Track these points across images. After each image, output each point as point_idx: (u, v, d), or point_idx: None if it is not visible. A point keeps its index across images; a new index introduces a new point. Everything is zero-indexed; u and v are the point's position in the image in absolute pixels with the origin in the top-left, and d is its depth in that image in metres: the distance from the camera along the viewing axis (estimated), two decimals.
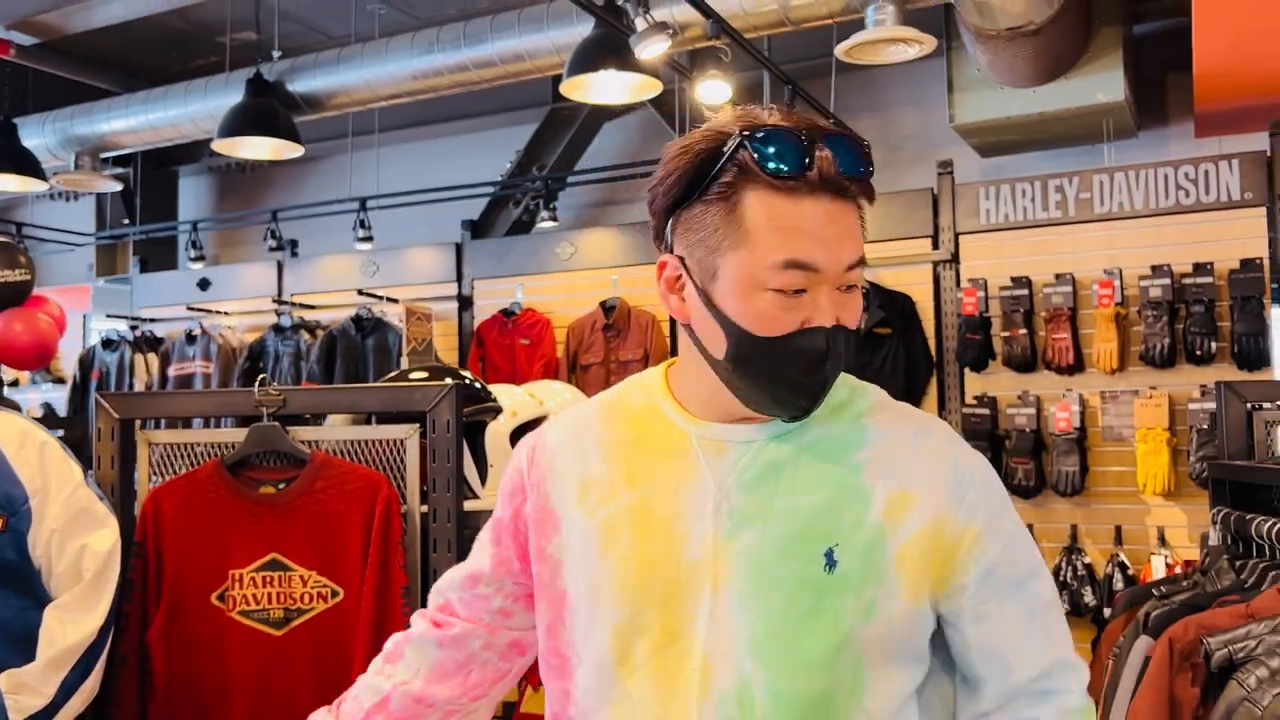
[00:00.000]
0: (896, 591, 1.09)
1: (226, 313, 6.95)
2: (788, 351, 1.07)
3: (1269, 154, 4.57)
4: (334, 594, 2.07)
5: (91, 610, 1.96)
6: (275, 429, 2.09)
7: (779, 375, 1.08)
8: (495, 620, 1.30)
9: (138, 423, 2.15)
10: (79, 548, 1.96)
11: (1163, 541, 4.59)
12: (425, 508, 2.12)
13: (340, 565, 2.07)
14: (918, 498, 1.11)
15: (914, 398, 5.15)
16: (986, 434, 4.83)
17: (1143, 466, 4.52)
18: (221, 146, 4.99)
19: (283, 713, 2.04)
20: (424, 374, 2.45)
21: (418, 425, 2.12)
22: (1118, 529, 4.70)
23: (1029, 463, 4.72)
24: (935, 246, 5.18)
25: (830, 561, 1.07)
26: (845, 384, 1.20)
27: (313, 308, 6.62)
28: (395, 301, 6.39)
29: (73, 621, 1.93)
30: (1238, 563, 2.46)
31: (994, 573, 1.13)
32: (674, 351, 5.58)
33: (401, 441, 2.13)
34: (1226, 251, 4.56)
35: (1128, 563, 4.56)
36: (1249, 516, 2.49)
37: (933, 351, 5.14)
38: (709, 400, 1.15)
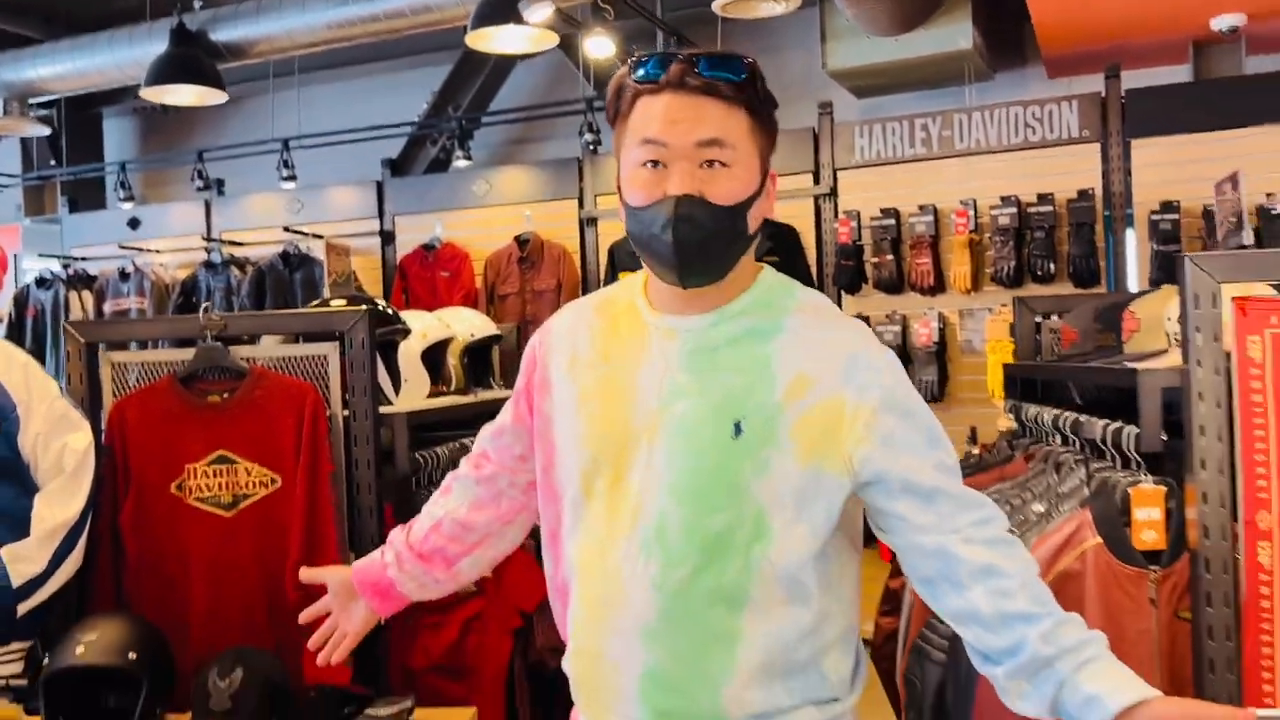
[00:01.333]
0: (788, 454, 1.30)
1: (158, 250, 7.25)
2: (649, 218, 1.31)
3: (1104, 95, 5.15)
4: (273, 481, 2.55)
5: (74, 496, 2.41)
6: (219, 348, 2.54)
7: (647, 241, 1.33)
8: (516, 464, 1.64)
9: (101, 346, 2.59)
10: (60, 447, 2.41)
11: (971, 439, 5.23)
12: (346, 411, 2.60)
13: (277, 458, 2.54)
14: (814, 381, 1.32)
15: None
16: None
17: (992, 374, 5.14)
18: (149, 94, 5.29)
19: (234, 579, 2.53)
20: (343, 301, 2.90)
21: (338, 344, 2.59)
22: (972, 429, 5.34)
23: None
24: (816, 182, 5.70)
25: (737, 430, 1.31)
26: (790, 289, 1.46)
27: (241, 244, 6.95)
28: (320, 238, 6.75)
29: (59, 505, 2.38)
30: (1013, 441, 3.05)
31: (894, 440, 1.31)
32: (585, 281, 6.06)
33: (324, 357, 2.60)
34: (1066, 184, 5.14)
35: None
36: (1023, 405, 3.09)
37: (814, 276, 5.69)
38: (662, 292, 1.42)
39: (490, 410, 3.49)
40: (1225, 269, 1.89)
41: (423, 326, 3.29)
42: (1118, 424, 2.17)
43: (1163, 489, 2.00)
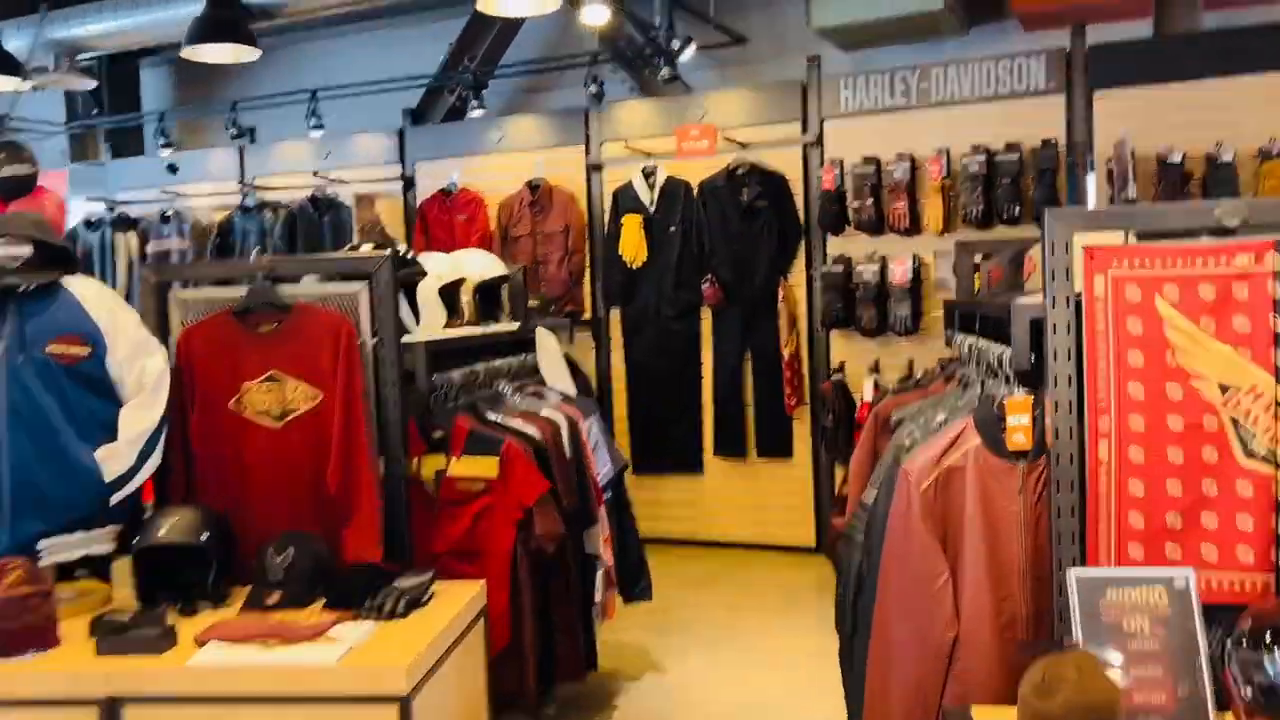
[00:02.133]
0: None
1: (195, 195, 7.76)
2: None
3: (1069, 50, 5.53)
4: (315, 397, 3.08)
5: (152, 408, 2.96)
6: (268, 287, 3.06)
7: None
8: None
9: (174, 285, 3.12)
10: (140, 367, 2.94)
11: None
12: (375, 339, 3.12)
13: (319, 377, 3.07)
14: None
15: (785, 258, 6.18)
16: (841, 287, 5.89)
17: None
18: (188, 53, 5.76)
19: (284, 478, 3.08)
20: (370, 247, 3.41)
21: (367, 283, 3.11)
22: (940, 360, 5.82)
23: (873, 309, 5.80)
24: (804, 131, 6.13)
25: None
26: None
27: (273, 189, 7.46)
28: (346, 183, 7.25)
29: (142, 414, 2.93)
30: (947, 367, 3.55)
31: None
32: (591, 224, 6.54)
33: (355, 295, 3.12)
34: (1032, 133, 5.55)
35: None
36: (956, 335, 3.57)
37: (800, 219, 6.15)
38: None
39: (497, 342, 4.02)
40: (1077, 221, 2.37)
41: (438, 268, 3.80)
42: (1003, 349, 2.66)
43: (1029, 399, 2.49)
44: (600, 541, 3.91)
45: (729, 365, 6.30)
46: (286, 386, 3.08)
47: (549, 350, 4.57)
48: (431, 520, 3.21)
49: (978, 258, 4.06)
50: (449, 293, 3.80)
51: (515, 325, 4.32)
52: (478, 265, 4.11)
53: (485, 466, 3.18)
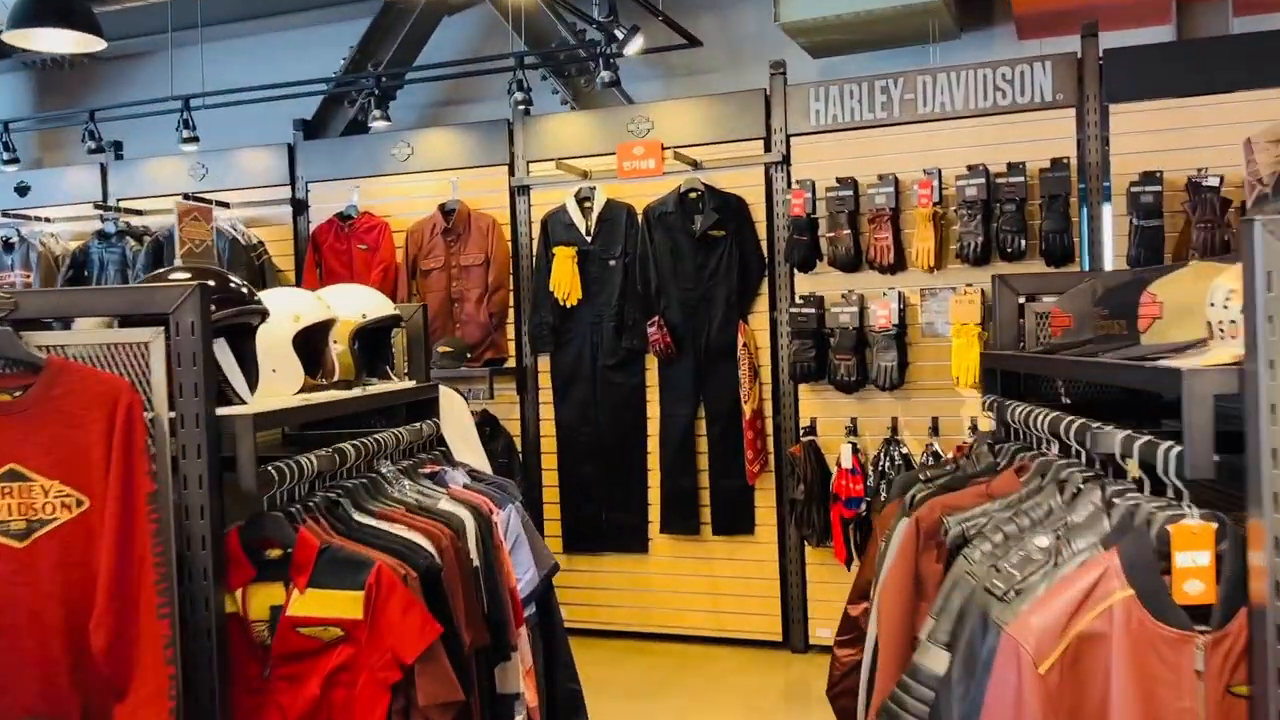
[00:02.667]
0: None
1: (48, 219, 6.58)
2: None
3: (1080, 56, 4.71)
4: (79, 503, 2.01)
5: None
6: (6, 334, 1.99)
7: None
8: None
9: None
10: None
11: (975, 431, 4.81)
12: (174, 413, 2.06)
13: (83, 473, 2.00)
14: None
15: (746, 298, 5.23)
16: (813, 332, 4.95)
17: (957, 360, 4.71)
18: (13, 38, 4.65)
19: (27, 628, 1.99)
20: (186, 275, 2.37)
21: (161, 329, 2.05)
22: (934, 420, 4.91)
23: (851, 358, 4.87)
24: (767, 149, 5.21)
25: None
26: None
27: (140, 213, 6.32)
28: (226, 206, 6.15)
29: None
30: (997, 447, 2.59)
31: None
32: (516, 255, 5.52)
33: (146, 345, 2.06)
34: (1038, 151, 4.71)
35: (941, 451, 4.77)
36: (1008, 403, 2.62)
37: (764, 252, 5.21)
38: None
39: (382, 405, 2.97)
40: None
41: (296, 307, 2.75)
42: (1146, 436, 1.70)
43: (1212, 526, 1.54)
44: (520, 676, 2.87)
45: (679, 425, 5.31)
46: (34, 487, 2.01)
47: (455, 414, 3.54)
48: (261, 687, 2.14)
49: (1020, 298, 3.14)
50: (311, 341, 2.76)
51: (410, 384, 3.28)
52: (357, 303, 3.07)
53: (343, 604, 2.12)
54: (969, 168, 4.74)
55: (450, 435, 3.43)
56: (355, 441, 2.65)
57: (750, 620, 5.26)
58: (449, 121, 6.29)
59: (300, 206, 6.11)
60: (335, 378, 2.85)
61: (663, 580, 5.41)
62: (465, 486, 3.12)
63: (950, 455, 2.86)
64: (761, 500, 5.24)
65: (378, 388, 3.07)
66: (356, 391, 2.87)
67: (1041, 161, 4.67)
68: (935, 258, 4.75)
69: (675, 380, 5.31)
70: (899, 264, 4.87)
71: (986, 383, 2.87)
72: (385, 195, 5.94)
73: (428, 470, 3.05)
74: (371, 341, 3.16)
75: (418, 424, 3.14)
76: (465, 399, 5.52)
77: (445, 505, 2.75)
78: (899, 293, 4.91)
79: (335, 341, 3.01)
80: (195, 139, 6.10)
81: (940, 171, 4.79)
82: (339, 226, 5.90)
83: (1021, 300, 2.91)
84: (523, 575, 3.08)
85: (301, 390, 2.70)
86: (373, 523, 2.46)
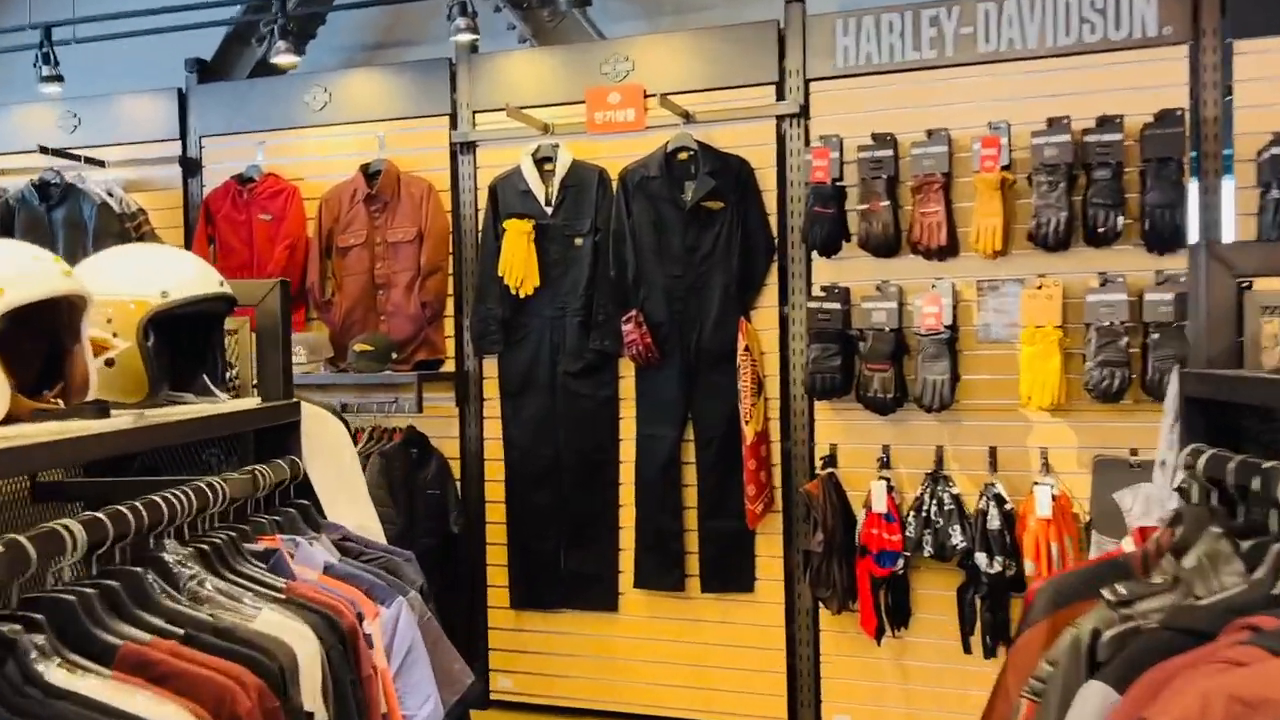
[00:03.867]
0: None
1: None
2: None
3: None
4: None
5: None
6: None
7: None
8: None
9: None
10: None
11: (1046, 468, 3.69)
12: None
13: None
14: None
15: (750, 288, 4.08)
16: (837, 334, 3.80)
17: (1028, 374, 3.58)
18: None
19: None
20: None
21: None
22: (992, 451, 3.78)
23: (887, 369, 3.73)
24: (780, 97, 4.06)
25: None
26: None
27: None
28: (102, 164, 4.94)
29: None
30: (1243, 544, 1.45)
31: None
32: (458, 228, 4.37)
33: None
34: (1139, 102, 3.59)
35: (1005, 495, 3.64)
36: (1251, 461, 1.49)
37: (773, 230, 4.07)
38: None
39: (177, 439, 1.81)
40: None
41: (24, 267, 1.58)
42: None
43: None
44: None
45: (661, 449, 4.15)
46: None
47: (330, 447, 2.37)
48: None
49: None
50: (42, 332, 1.59)
51: (248, 403, 2.11)
52: (151, 274, 1.89)
53: None
54: (1049, 122, 3.62)
55: (321, 479, 2.27)
56: (94, 514, 1.48)
57: (747, 701, 4.11)
58: (376, 61, 5.07)
59: (192, 166, 4.90)
60: (91, 394, 1.67)
61: (636, 647, 4.25)
62: (327, 570, 1.97)
63: (1128, 546, 1.71)
64: (764, 549, 4.09)
65: (181, 411, 1.89)
66: (124, 421, 1.68)
67: (1144, 115, 3.55)
68: (1004, 238, 3.62)
69: (657, 392, 4.15)
70: (951, 247, 3.73)
71: (1188, 419, 1.73)
72: (296, 153, 4.74)
73: (262, 545, 1.89)
74: (178, 335, 1.98)
75: (253, 469, 1.98)
76: (385, 410, 4.36)
77: (265, 621, 1.59)
78: (951, 285, 3.78)
79: (115, 335, 1.84)
80: (58, 78, 4.87)
81: (1009, 127, 3.66)
82: (237, 192, 4.71)
83: (1242, 282, 1.77)
84: (417, 709, 1.96)
85: (9, 417, 1.52)
86: (84, 687, 1.28)
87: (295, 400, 2.25)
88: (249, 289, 2.27)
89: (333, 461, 2.31)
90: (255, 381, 2.30)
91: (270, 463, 2.07)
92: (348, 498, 2.32)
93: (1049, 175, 3.55)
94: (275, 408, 2.17)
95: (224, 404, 2.03)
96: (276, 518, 2.04)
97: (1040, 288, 3.64)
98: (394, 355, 4.35)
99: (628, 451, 4.25)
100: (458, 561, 4.25)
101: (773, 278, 4.08)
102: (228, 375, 2.22)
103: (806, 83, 4.01)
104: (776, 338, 4.09)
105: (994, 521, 3.58)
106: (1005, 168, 3.63)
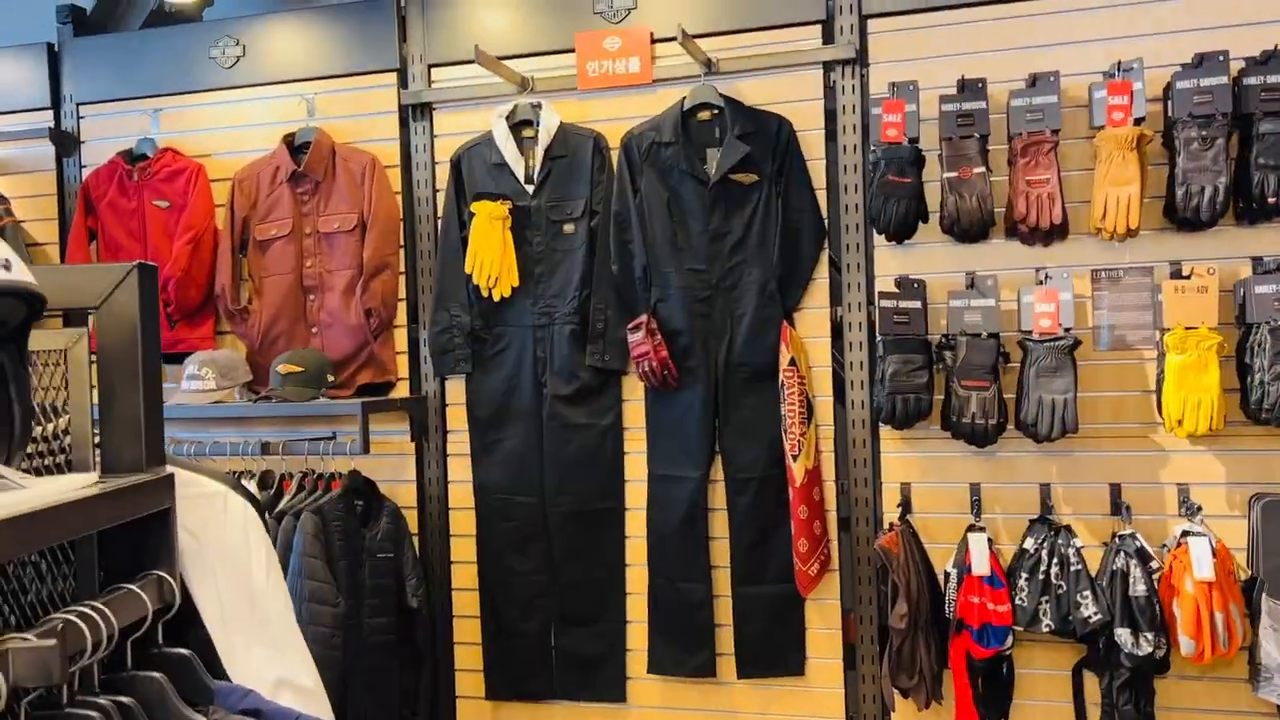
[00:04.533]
0: None
1: None
2: None
3: None
4: None
5: None
6: None
7: None
8: None
9: None
10: None
11: (1190, 510, 2.83)
12: None
13: None
14: None
15: (795, 284, 3.18)
16: (920, 343, 2.91)
17: (1177, 391, 2.72)
18: None
19: None
20: None
21: None
22: (1115, 490, 2.93)
23: (988, 386, 2.84)
24: (829, 39, 3.18)
25: None
26: None
27: None
28: None
29: None
30: None
31: None
32: (411, 213, 3.41)
33: None
34: None
35: (1148, 548, 2.78)
36: None
37: (823, 208, 3.17)
38: None
39: None
40: None
41: None
42: None
43: None
44: None
45: (682, 494, 3.22)
46: None
47: (228, 556, 1.39)
48: None
49: None
50: None
51: (82, 483, 1.14)
52: None
53: None
54: (1197, 60, 2.77)
55: (216, 607, 1.30)
56: None
57: None
58: (303, 4, 4.07)
59: (67, 142, 3.85)
60: None
61: None
62: None
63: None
64: (818, 619, 3.17)
65: None
66: None
67: None
68: (1138, 214, 2.76)
69: (675, 420, 3.22)
70: (1063, 226, 2.87)
71: None
72: (201, 123, 3.74)
73: None
74: None
75: (81, 610, 1.01)
76: (320, 450, 3.36)
77: None
78: (1067, 275, 2.92)
79: None
80: None
81: (1141, 65, 2.81)
82: (125, 173, 3.69)
83: None
84: None
85: None
86: None
87: (167, 473, 1.29)
88: (79, 280, 1.31)
89: (235, 574, 1.35)
90: (97, 439, 1.33)
91: (116, 593, 1.12)
92: (262, 635, 1.35)
93: (1201, 129, 2.70)
94: (127, 491, 1.20)
95: (25, 490, 1.07)
96: (121, 698, 1.09)
97: (1189, 277, 2.79)
98: (329, 378, 3.37)
99: (637, 498, 3.31)
100: (417, 644, 3.26)
101: (822, 271, 3.18)
102: (45, 431, 1.27)
103: (863, 19, 3.13)
104: (828, 348, 3.19)
105: (1138, 585, 2.71)
106: (1139, 121, 2.78)
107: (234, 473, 3.32)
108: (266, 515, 3.06)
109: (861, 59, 3.13)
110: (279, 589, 1.40)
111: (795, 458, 3.05)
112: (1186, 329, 2.73)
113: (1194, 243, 2.87)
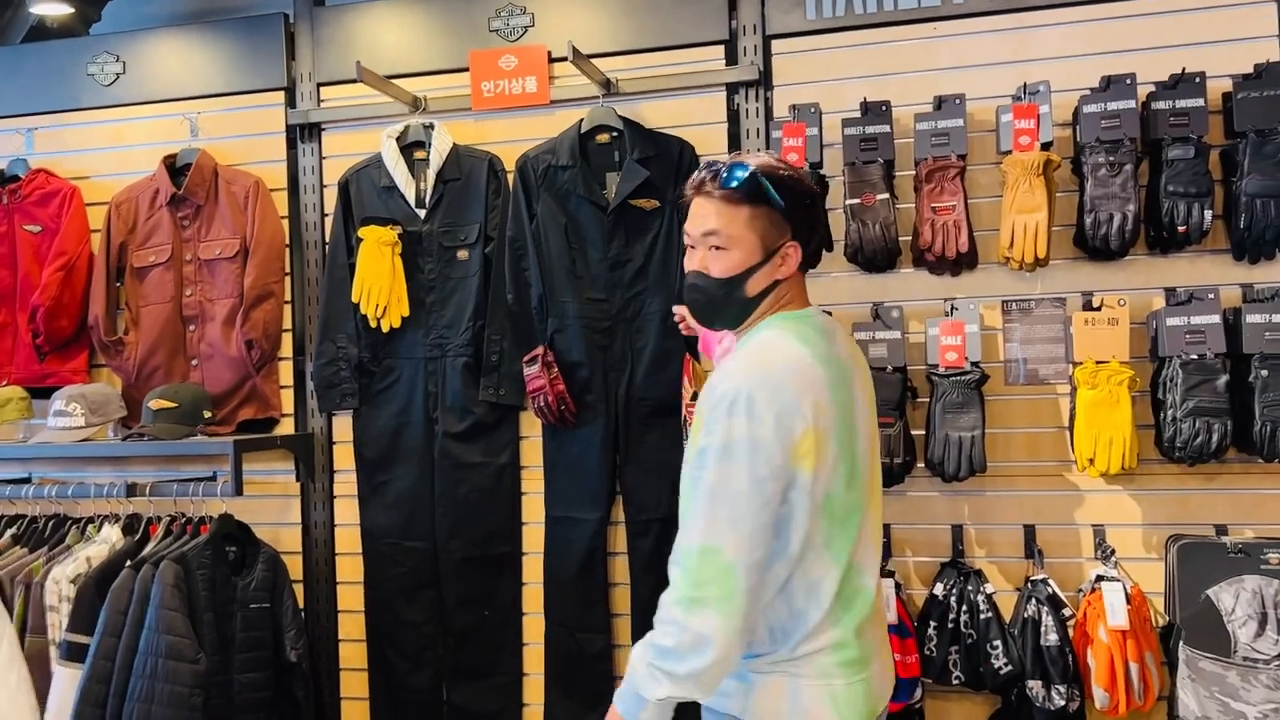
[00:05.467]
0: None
1: None
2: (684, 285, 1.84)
3: None
4: None
5: None
6: None
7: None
8: None
9: None
10: None
11: (1105, 554, 2.71)
12: None
13: None
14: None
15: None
16: None
17: (1088, 428, 2.59)
18: None
19: None
20: None
21: None
22: (1029, 532, 2.79)
23: (894, 424, 2.70)
24: (732, 59, 3.05)
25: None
26: (760, 329, 1.81)
27: None
28: None
29: None
30: None
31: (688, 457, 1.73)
32: (298, 239, 3.23)
33: None
34: (1223, 57, 2.68)
35: (1060, 594, 2.64)
36: None
37: None
38: None
39: None
40: None
41: None
42: None
43: None
44: None
45: (580, 538, 3.03)
46: None
47: None
48: None
49: None
50: None
51: None
52: None
53: None
54: (1103, 83, 2.67)
55: None
56: None
57: None
58: (186, 18, 3.85)
59: None
60: None
61: None
62: None
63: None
64: None
65: None
66: None
67: (1233, 67, 2.64)
68: (1047, 243, 2.64)
69: (574, 459, 3.05)
70: (971, 255, 2.75)
71: None
72: (77, 142, 3.53)
73: None
74: None
75: None
76: (190, 492, 3.13)
77: None
78: (976, 307, 2.79)
79: None
80: None
81: (1049, 89, 2.70)
82: None
83: None
84: None
85: None
86: None
87: None
88: None
89: None
90: None
91: None
92: None
93: (1109, 154, 2.60)
94: None
95: None
96: None
97: (1100, 308, 2.67)
98: (206, 413, 3.15)
99: (535, 541, 3.12)
100: (297, 700, 3.03)
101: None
102: None
103: (766, 40, 3.00)
104: None
105: (1050, 634, 2.57)
106: (1046, 146, 2.67)
107: (99, 516, 3.10)
108: (127, 563, 2.84)
109: (766, 81, 3.00)
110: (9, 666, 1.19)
111: None
112: (1098, 363, 2.61)
113: (1107, 273, 2.76)
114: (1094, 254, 2.73)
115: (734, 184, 1.74)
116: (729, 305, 1.81)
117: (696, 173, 1.80)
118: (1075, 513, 2.80)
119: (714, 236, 1.76)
